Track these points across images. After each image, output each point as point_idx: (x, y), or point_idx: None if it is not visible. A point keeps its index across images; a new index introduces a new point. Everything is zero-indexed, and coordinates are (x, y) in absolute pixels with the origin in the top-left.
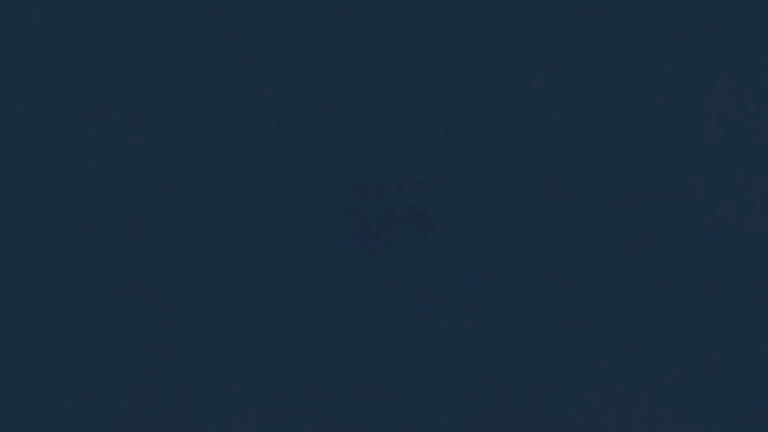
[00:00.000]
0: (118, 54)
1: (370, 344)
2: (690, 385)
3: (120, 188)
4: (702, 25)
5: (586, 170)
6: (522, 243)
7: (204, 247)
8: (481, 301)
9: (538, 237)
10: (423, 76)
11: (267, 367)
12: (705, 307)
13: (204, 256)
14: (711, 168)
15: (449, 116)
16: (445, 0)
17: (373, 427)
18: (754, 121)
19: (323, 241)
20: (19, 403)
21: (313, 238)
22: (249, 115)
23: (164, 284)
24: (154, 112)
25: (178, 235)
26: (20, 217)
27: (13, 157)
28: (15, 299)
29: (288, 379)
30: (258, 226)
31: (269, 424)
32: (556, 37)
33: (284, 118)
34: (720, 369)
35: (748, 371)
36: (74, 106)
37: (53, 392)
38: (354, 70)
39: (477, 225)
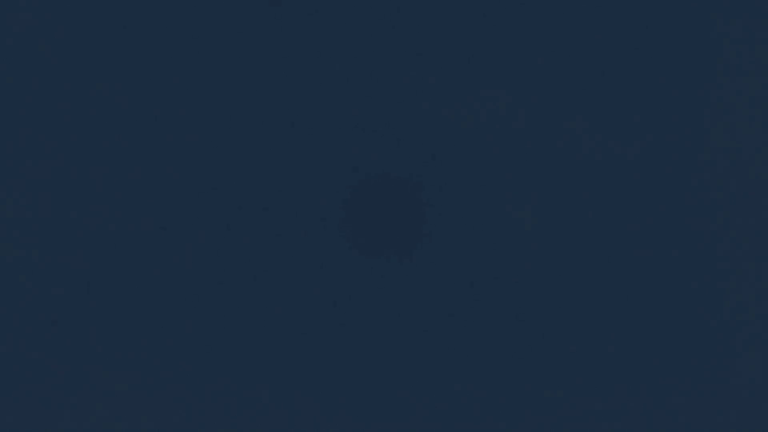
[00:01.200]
0: (117, 54)
1: (367, 345)
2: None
3: (114, 197)
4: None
5: (585, 171)
6: (521, 244)
7: (202, 248)
8: (478, 302)
9: (537, 238)
10: (421, 78)
11: (264, 368)
12: (704, 307)
13: (202, 257)
14: (710, 168)
15: (448, 118)
16: (444, 2)
17: (371, 427)
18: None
19: (320, 243)
20: (18, 402)
21: (310, 239)
22: (246, 115)
23: (162, 284)
24: (151, 116)
25: (175, 234)
26: (20, 217)
27: (13, 157)
28: (14, 299)
29: (285, 381)
30: (256, 227)
31: (264, 426)
32: (556, 37)
33: (282, 120)
34: (719, 369)
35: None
36: (74, 106)
37: (53, 392)
38: (350, 74)
39: (476, 226)
